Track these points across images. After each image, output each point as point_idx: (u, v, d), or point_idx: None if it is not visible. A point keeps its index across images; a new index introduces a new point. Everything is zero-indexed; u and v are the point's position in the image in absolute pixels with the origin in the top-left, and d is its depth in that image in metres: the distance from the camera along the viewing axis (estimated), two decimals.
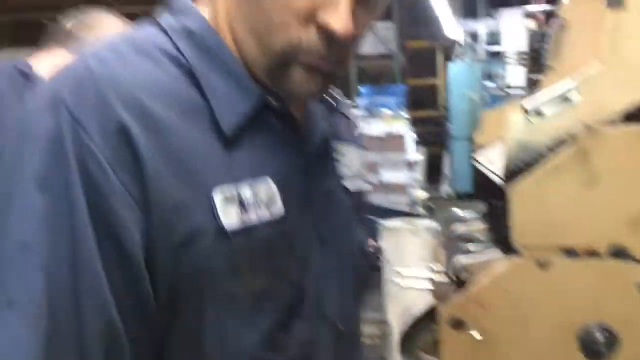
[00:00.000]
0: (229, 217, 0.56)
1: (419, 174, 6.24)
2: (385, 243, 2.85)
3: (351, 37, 0.57)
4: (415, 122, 7.66)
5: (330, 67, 0.59)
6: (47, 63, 1.04)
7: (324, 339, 0.65)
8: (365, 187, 0.78)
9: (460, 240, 1.34)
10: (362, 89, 8.92)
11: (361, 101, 8.05)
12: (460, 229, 1.44)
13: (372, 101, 7.49)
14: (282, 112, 0.63)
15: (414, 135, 6.46)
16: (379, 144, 5.63)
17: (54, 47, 1.12)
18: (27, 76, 0.92)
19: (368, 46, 9.54)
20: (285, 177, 0.61)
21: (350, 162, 0.75)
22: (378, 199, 4.94)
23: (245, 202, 0.57)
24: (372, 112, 6.42)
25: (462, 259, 1.13)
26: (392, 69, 9.88)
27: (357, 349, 0.76)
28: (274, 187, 0.60)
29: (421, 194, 6.01)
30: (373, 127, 5.84)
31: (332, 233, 0.68)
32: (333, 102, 0.80)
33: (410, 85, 9.56)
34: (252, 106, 0.60)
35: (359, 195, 0.78)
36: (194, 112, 0.57)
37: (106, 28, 1.15)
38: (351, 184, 0.73)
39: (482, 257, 1.11)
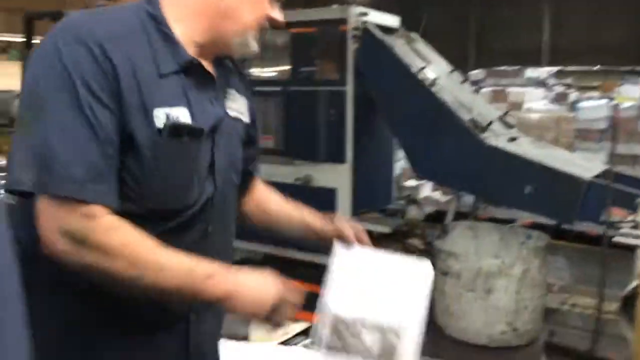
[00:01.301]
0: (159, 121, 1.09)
1: None
2: None
3: None
4: None
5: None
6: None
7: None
8: (244, 118, 1.28)
9: None
10: None
11: None
12: None
13: None
14: (201, 69, 1.16)
15: None
16: None
17: None
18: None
19: None
20: (199, 102, 1.13)
21: (237, 102, 1.26)
22: None
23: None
24: None
25: None
26: None
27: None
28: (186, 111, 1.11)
29: None
30: None
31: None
32: (233, 68, 1.30)
33: None
34: (182, 63, 1.12)
35: (239, 121, 1.28)
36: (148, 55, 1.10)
37: None
38: (234, 113, 1.24)
39: None
